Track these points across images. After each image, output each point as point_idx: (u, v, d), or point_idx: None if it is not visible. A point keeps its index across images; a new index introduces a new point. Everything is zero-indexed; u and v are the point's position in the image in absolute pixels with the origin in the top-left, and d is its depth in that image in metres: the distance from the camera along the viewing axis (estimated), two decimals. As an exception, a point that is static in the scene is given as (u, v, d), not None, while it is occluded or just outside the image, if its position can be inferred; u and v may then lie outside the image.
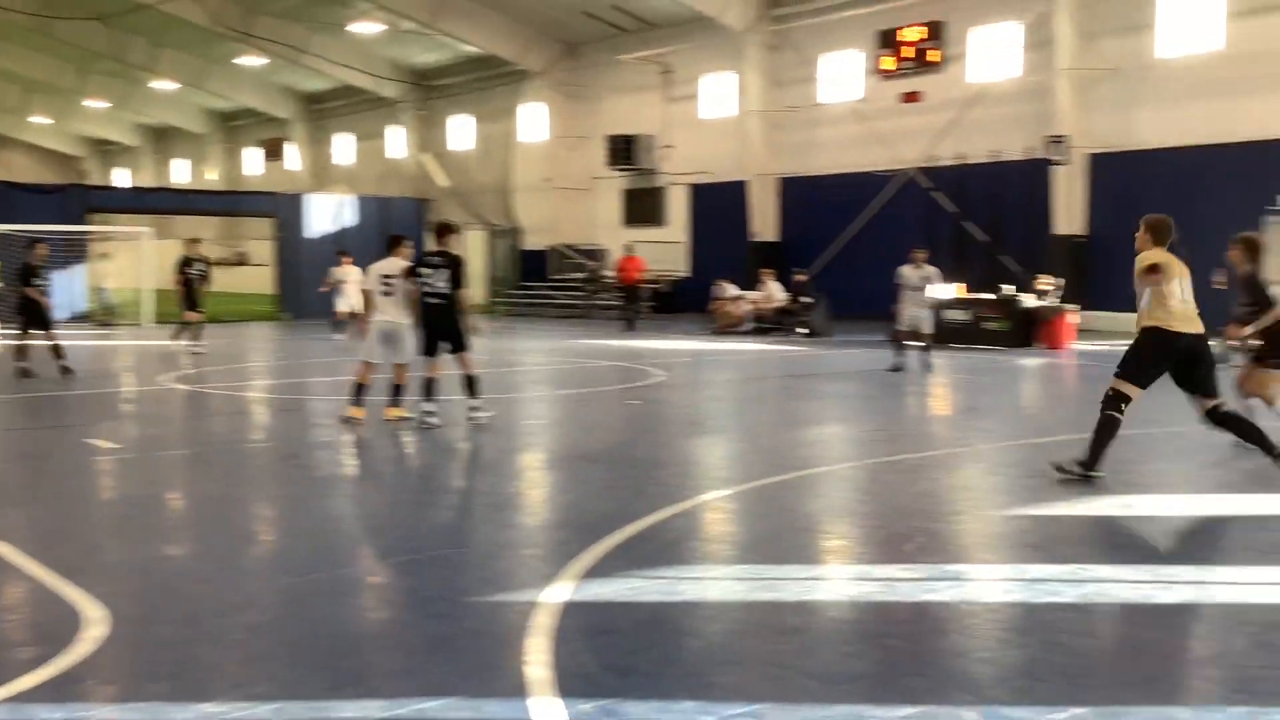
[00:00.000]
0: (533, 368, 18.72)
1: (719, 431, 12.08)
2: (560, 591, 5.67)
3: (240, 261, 50.68)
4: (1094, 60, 25.20)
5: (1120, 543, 6.77)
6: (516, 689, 4.41)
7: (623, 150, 34.71)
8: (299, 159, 50.10)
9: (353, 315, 24.57)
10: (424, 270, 11.24)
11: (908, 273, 17.31)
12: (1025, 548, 6.81)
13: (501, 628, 5.20)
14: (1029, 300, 21.48)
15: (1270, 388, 9.94)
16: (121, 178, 63.83)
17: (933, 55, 28.13)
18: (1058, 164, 25.37)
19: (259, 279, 39.34)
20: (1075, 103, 25.44)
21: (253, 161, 55.15)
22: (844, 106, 30.22)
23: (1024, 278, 23.68)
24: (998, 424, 12.56)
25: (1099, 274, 25.01)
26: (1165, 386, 8.47)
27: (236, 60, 42.67)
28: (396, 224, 33.60)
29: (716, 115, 33.55)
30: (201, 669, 4.74)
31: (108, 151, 65.31)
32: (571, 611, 5.39)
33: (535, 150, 38.51)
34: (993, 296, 21.61)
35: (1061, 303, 21.38)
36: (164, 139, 60.62)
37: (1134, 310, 8.35)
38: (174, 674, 4.64)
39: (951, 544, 6.95)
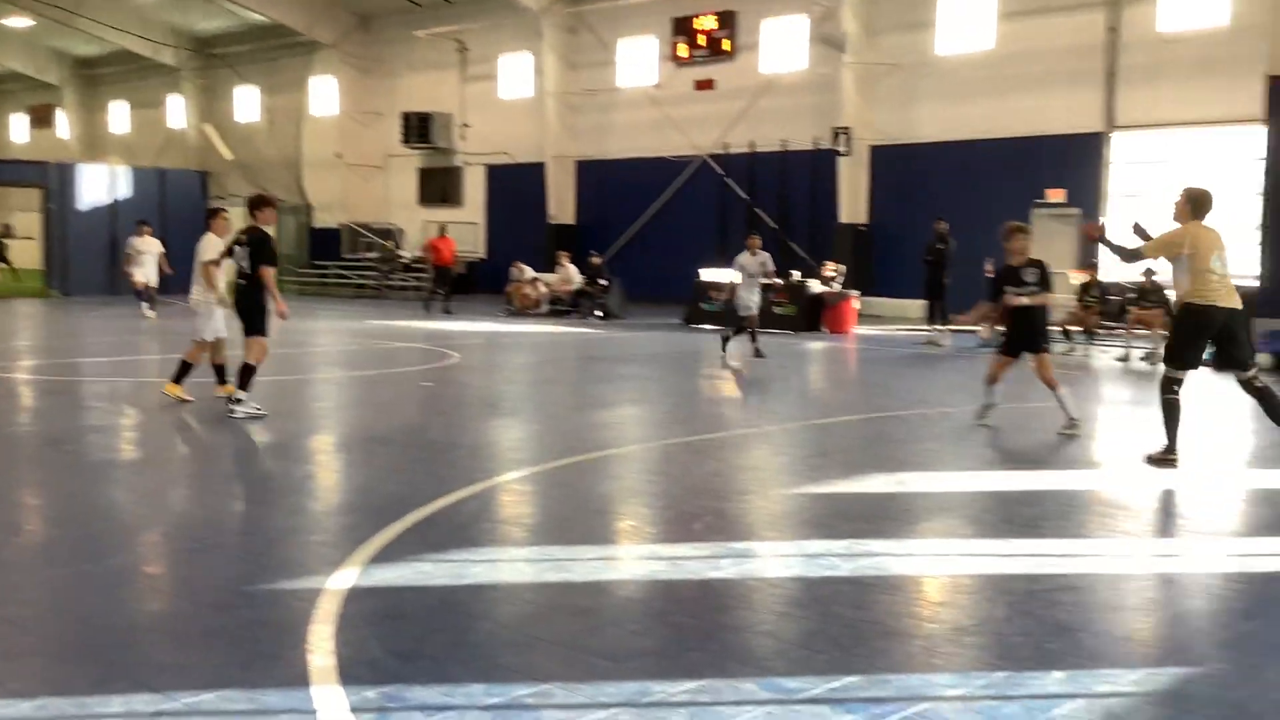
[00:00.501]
0: (324, 349, 18.24)
1: (514, 413, 12.05)
2: (346, 577, 5.56)
3: (4, 234, 47.54)
4: (877, 55, 26.19)
5: (893, 518, 7.09)
6: (297, 678, 4.30)
7: (419, 128, 34.12)
8: (70, 127, 47.32)
9: (148, 287, 23.48)
10: (236, 249, 10.83)
11: (746, 260, 16.91)
12: (806, 525, 7.06)
13: (283, 616, 5.06)
14: (815, 286, 22.21)
15: (1002, 372, 10.38)
16: None
17: (725, 44, 28.72)
18: (842, 155, 26.30)
19: (25, 253, 37.02)
20: (859, 96, 26.39)
21: (19, 129, 51.81)
22: (640, 91, 30.51)
23: (811, 264, 24.50)
24: (785, 406, 12.97)
25: (880, 261, 26.10)
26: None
27: (1, 21, 39.89)
28: (176, 197, 32.23)
29: (515, 96, 33.36)
30: (-47, 669, 4.44)
31: None
32: (357, 597, 5.29)
33: (326, 125, 37.44)
34: (781, 282, 22.24)
35: (845, 289, 22.19)
36: (-81, 103, 56.26)
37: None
38: (-78, 675, 4.33)
39: (737, 522, 7.14)
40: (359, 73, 36.47)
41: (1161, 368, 8.89)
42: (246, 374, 10.42)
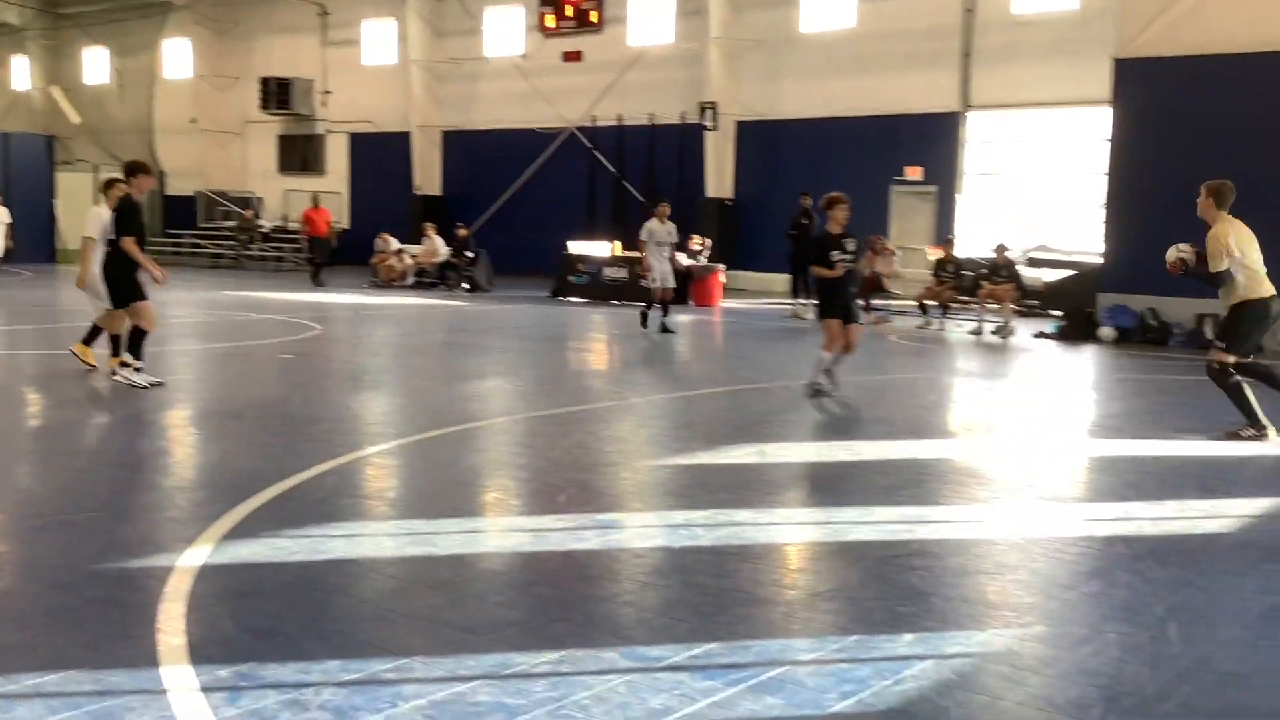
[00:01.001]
0: (178, 320, 17.65)
1: (378, 386, 11.86)
2: (199, 555, 5.41)
3: None
4: (743, 31, 26.42)
5: (755, 488, 7.19)
6: (146, 658, 4.17)
7: (278, 94, 33.23)
8: (-99, 86, 44.73)
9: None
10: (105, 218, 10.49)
11: (655, 227, 16.73)
12: (669, 495, 7.12)
13: (132, 595, 4.89)
14: (683, 259, 22.33)
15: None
16: None
17: (593, 16, 28.61)
18: (709, 129, 26.49)
19: None
20: (725, 71, 26.61)
21: None
22: (507, 61, 30.22)
23: (679, 238, 24.62)
24: (651, 378, 13.04)
25: (745, 236, 26.42)
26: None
27: None
28: (20, 162, 30.78)
29: (378, 63, 32.70)
30: None
31: None
32: (211, 575, 5.15)
33: (180, 89, 36.17)
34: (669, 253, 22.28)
35: (711, 262, 22.40)
36: None
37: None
38: None
39: (602, 494, 7.16)
40: (214, 35, 35.31)
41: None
42: (134, 340, 10.39)
